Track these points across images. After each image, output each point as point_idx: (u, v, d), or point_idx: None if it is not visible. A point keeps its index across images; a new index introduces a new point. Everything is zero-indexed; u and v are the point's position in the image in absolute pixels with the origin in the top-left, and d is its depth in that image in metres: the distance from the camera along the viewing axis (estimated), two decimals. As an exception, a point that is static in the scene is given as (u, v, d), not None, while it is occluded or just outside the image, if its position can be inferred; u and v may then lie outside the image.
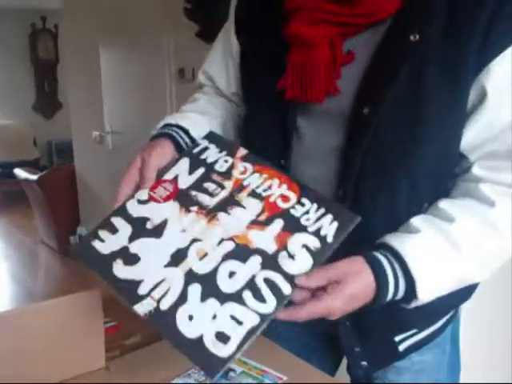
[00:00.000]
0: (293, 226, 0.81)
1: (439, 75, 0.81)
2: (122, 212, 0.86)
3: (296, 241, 0.80)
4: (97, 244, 0.82)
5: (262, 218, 0.83)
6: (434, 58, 0.81)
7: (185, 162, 0.94)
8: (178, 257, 0.80)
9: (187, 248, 0.81)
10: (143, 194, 0.89)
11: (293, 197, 0.84)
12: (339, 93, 0.88)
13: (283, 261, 0.78)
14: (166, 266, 0.79)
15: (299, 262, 0.78)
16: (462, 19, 0.79)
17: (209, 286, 0.77)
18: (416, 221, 0.83)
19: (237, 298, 0.75)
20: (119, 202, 0.89)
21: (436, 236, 0.81)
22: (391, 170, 0.86)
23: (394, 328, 0.99)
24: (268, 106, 0.98)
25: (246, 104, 1.09)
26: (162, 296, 0.76)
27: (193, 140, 1.00)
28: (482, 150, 0.85)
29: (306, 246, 0.79)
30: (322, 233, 0.80)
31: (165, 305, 0.75)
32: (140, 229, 0.84)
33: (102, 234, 0.84)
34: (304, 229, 0.81)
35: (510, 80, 0.80)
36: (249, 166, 0.90)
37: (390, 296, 0.79)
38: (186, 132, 1.01)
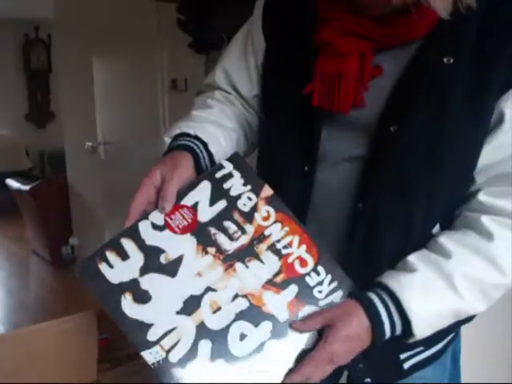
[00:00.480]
0: (306, 295, 0.82)
1: (466, 100, 0.81)
2: (134, 234, 0.79)
3: (307, 313, 0.81)
4: (105, 269, 0.75)
5: (279, 279, 0.82)
6: (463, 82, 0.81)
7: (206, 188, 0.88)
8: (191, 305, 0.77)
9: (201, 297, 0.78)
10: (158, 219, 0.82)
11: (310, 262, 0.84)
12: (365, 106, 0.87)
13: (292, 333, 0.80)
14: (178, 313, 0.76)
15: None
16: (492, 44, 0.80)
17: (219, 344, 0.77)
18: (412, 258, 0.84)
19: (243, 362, 0.77)
20: (131, 221, 0.82)
21: (432, 274, 0.82)
22: (412, 191, 0.86)
23: (399, 346, 0.97)
24: (293, 109, 0.97)
25: (268, 106, 1.07)
26: (172, 347, 0.74)
27: (210, 154, 0.96)
28: (489, 173, 0.85)
29: None
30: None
31: (175, 357, 0.74)
32: (153, 261, 0.78)
33: (111, 256, 0.76)
34: (316, 302, 0.82)
35: None
36: (272, 211, 0.86)
37: (387, 334, 0.81)
38: (205, 145, 0.96)
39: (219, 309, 0.79)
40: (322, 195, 0.95)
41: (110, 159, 3.78)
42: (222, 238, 0.82)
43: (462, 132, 0.83)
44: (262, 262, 0.83)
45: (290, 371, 0.78)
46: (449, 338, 1.02)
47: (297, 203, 0.93)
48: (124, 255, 0.77)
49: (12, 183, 5.14)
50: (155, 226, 0.80)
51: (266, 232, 0.85)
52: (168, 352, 0.73)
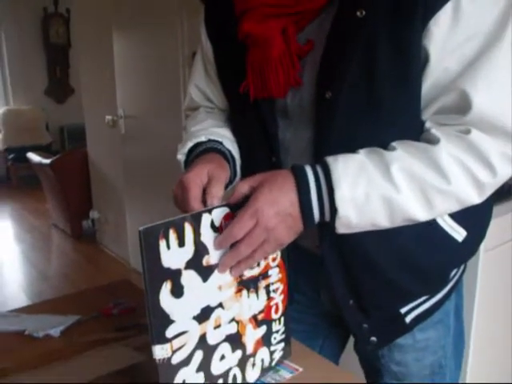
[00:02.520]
0: (266, 338, 0.92)
1: (391, 50, 0.80)
2: (196, 224, 0.77)
3: (261, 353, 0.91)
4: (162, 248, 0.72)
5: (259, 317, 0.90)
6: (384, 34, 0.80)
7: None
8: (204, 314, 0.79)
9: (213, 309, 0.80)
10: (218, 218, 0.81)
11: (280, 311, 0.94)
12: (302, 84, 0.89)
13: (248, 367, 0.89)
14: (193, 318, 0.77)
15: (254, 373, 0.90)
16: None
17: (206, 359, 0.80)
18: (360, 150, 0.83)
19: (213, 381, 0.82)
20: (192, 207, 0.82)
21: (371, 158, 0.80)
22: (359, 146, 0.85)
23: (398, 300, 1.00)
24: (245, 106, 0.99)
25: (230, 109, 1.11)
26: (178, 349, 0.75)
27: (229, 151, 1.01)
28: (430, 109, 0.84)
29: (262, 361, 0.92)
30: (273, 356, 0.94)
31: (176, 359, 0.75)
32: (197, 259, 0.77)
33: (172, 237, 0.73)
34: (269, 345, 0.93)
35: (447, 35, 0.79)
36: (279, 255, 0.91)
37: (313, 200, 0.80)
38: (221, 144, 1.01)
39: (219, 326, 0.82)
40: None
41: (129, 133, 3.79)
42: None
43: (395, 82, 0.82)
44: (257, 297, 0.89)
45: None
46: (447, 288, 1.03)
47: None
48: (181, 241, 0.74)
49: (33, 157, 5.19)
50: (213, 225, 0.79)
51: (269, 272, 0.90)
52: (173, 353, 0.74)
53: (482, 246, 1.86)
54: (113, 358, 1.02)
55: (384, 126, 0.85)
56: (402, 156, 0.80)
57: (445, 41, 0.79)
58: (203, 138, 1.00)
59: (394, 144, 0.82)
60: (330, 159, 0.81)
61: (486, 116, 0.78)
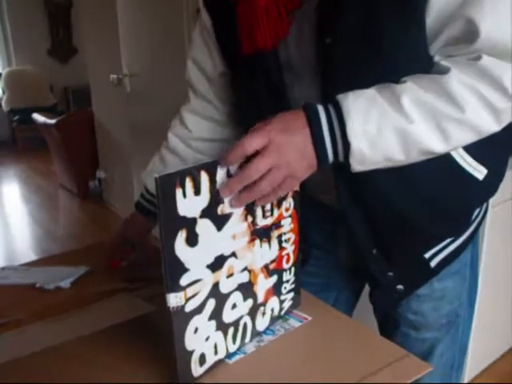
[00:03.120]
0: (277, 288, 0.93)
1: None
2: (212, 171, 0.76)
3: (271, 302, 0.92)
4: (179, 197, 0.71)
5: (271, 266, 0.90)
6: None
7: None
8: (217, 263, 0.79)
9: (226, 258, 0.80)
10: (235, 166, 0.79)
11: (291, 261, 0.95)
12: (288, 35, 0.88)
13: (259, 316, 0.90)
14: (207, 267, 0.77)
15: (263, 322, 0.91)
16: None
17: (218, 307, 0.81)
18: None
19: (224, 329, 0.83)
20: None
21: (381, 91, 0.79)
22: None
23: (422, 245, 1.00)
24: (250, 72, 0.98)
25: (234, 78, 1.09)
26: (191, 297, 0.75)
27: None
28: (437, 43, 0.81)
29: (272, 310, 0.93)
30: (283, 306, 0.95)
31: (189, 307, 0.75)
32: (213, 208, 0.76)
33: (188, 186, 0.72)
34: (279, 295, 0.94)
35: None
36: (292, 205, 0.91)
37: (325, 129, 0.78)
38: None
39: (231, 275, 0.82)
40: None
41: (135, 91, 3.76)
42: (259, 212, 0.84)
43: (396, 21, 0.79)
44: (270, 246, 0.89)
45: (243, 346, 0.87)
46: (470, 229, 1.03)
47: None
48: (197, 190, 0.73)
49: (38, 117, 5.18)
50: (228, 173, 0.78)
51: (282, 222, 0.90)
52: (187, 301, 0.74)
53: (490, 201, 1.86)
54: (123, 308, 1.03)
55: (388, 71, 0.82)
56: (413, 87, 0.77)
57: None
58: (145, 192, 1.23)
59: (404, 78, 0.80)
60: (340, 96, 0.79)
61: (496, 40, 0.75)
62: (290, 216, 0.92)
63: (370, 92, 0.79)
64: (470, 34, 0.77)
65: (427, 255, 1.00)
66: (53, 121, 4.76)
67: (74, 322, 0.99)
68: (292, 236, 0.93)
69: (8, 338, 0.95)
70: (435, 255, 1.00)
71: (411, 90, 0.77)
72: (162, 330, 0.74)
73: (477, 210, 1.02)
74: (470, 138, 0.80)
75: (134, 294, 1.08)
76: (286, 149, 0.76)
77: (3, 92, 7.29)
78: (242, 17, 0.92)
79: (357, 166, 0.79)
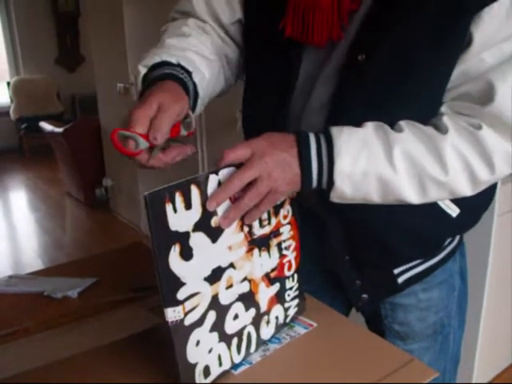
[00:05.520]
0: (280, 296, 0.93)
1: (438, 24, 0.79)
2: (202, 185, 0.75)
3: (275, 311, 0.92)
4: (169, 212, 0.70)
5: (273, 274, 0.90)
6: (434, 5, 0.79)
7: None
8: (215, 275, 0.79)
9: (224, 270, 0.80)
10: (225, 178, 0.79)
11: (293, 268, 0.95)
12: (342, 39, 0.87)
13: (263, 325, 0.90)
14: (204, 279, 0.77)
15: (268, 331, 0.91)
16: None
17: (219, 319, 0.81)
18: (368, 122, 0.83)
19: (228, 340, 0.83)
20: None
21: (376, 135, 0.80)
22: (376, 115, 0.85)
23: (392, 261, 1.02)
24: (271, 40, 0.96)
25: (248, 34, 1.05)
26: (190, 311, 0.75)
27: (195, 85, 0.92)
28: (454, 92, 0.84)
29: (276, 318, 0.93)
30: (287, 313, 0.95)
31: (188, 321, 0.75)
32: (206, 220, 0.76)
33: (178, 200, 0.72)
34: (283, 303, 0.94)
35: (496, 28, 0.78)
36: (290, 212, 0.91)
37: (313, 153, 0.79)
38: (189, 75, 0.92)
39: (231, 286, 0.82)
40: (292, 125, 0.96)
41: (141, 100, 3.77)
42: (255, 222, 0.84)
43: (430, 60, 0.81)
44: (269, 255, 0.89)
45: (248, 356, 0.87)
46: (444, 252, 1.04)
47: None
48: (188, 204, 0.73)
49: (45, 126, 5.20)
50: (220, 186, 0.78)
51: (281, 230, 0.90)
52: (186, 314, 0.74)
53: (496, 210, 1.86)
54: (128, 319, 1.03)
55: (407, 97, 0.84)
56: (408, 139, 0.80)
57: (491, 32, 0.78)
58: (173, 60, 0.91)
59: (402, 124, 0.82)
60: (334, 129, 0.81)
61: (505, 111, 0.78)
62: (288, 223, 0.92)
63: (365, 132, 0.81)
64: (486, 96, 0.79)
65: (396, 271, 1.02)
66: (60, 129, 4.79)
67: (79, 334, 1.00)
68: (292, 243, 0.93)
69: (16, 349, 0.96)
70: (404, 272, 1.02)
71: (405, 142, 0.79)
72: (165, 342, 0.74)
73: (448, 240, 1.04)
74: (445, 197, 0.86)
75: (139, 304, 1.09)
76: (268, 161, 0.77)
77: (11, 100, 7.33)
78: (297, 5, 0.89)
79: (335, 198, 0.83)
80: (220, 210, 0.78)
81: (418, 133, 0.81)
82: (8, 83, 7.37)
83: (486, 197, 1.02)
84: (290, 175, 0.79)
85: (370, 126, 0.82)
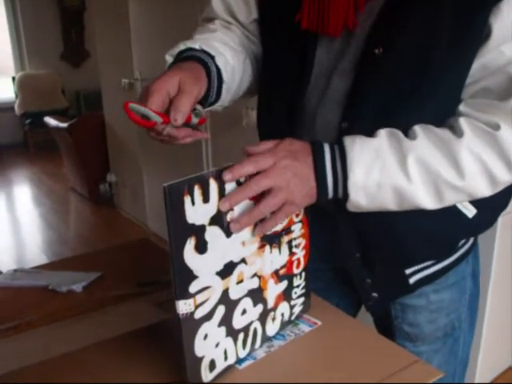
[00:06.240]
0: (287, 293, 0.93)
1: (455, 19, 0.79)
2: (221, 179, 0.76)
3: (281, 308, 0.92)
4: (187, 204, 0.71)
5: (281, 272, 0.91)
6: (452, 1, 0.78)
7: None
8: (227, 270, 0.79)
9: (236, 265, 0.81)
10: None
11: (302, 265, 0.95)
12: (357, 28, 0.86)
13: (269, 321, 0.90)
14: (216, 274, 0.77)
15: (274, 327, 0.91)
16: None
17: (228, 313, 0.81)
18: (381, 130, 0.82)
19: (234, 335, 0.83)
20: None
21: (389, 144, 0.80)
22: (395, 114, 0.85)
23: (404, 261, 1.01)
24: (286, 33, 0.96)
25: (263, 29, 1.06)
26: (201, 304, 0.75)
27: (219, 69, 0.93)
28: (473, 88, 0.83)
29: (282, 315, 0.93)
30: (293, 310, 0.95)
31: (198, 314, 0.75)
32: (221, 215, 0.77)
33: (197, 193, 0.72)
34: (289, 300, 0.94)
35: None
36: (302, 210, 0.91)
37: (328, 166, 0.81)
38: (213, 59, 0.92)
39: (241, 281, 0.82)
40: (307, 120, 0.96)
41: (146, 96, 3.77)
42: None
43: (449, 56, 0.81)
44: (280, 252, 0.89)
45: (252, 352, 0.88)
46: (457, 254, 1.03)
47: (285, 129, 0.96)
48: (206, 197, 0.73)
49: (50, 121, 5.21)
50: (237, 181, 0.78)
51: (292, 227, 0.91)
52: (196, 307, 0.75)
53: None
54: (133, 314, 1.03)
55: (425, 92, 0.84)
56: (422, 145, 0.79)
57: (511, 24, 0.77)
58: (196, 46, 0.92)
59: (416, 129, 0.82)
60: (347, 140, 0.81)
61: None
62: (300, 221, 0.92)
63: (378, 142, 0.80)
64: (506, 91, 0.79)
65: (408, 271, 1.01)
66: (64, 124, 4.79)
67: (83, 328, 1.00)
68: (302, 241, 0.93)
69: (18, 342, 0.96)
70: (416, 273, 1.01)
71: (419, 149, 0.79)
72: (171, 337, 0.75)
73: (462, 241, 1.03)
74: (463, 200, 0.86)
75: (144, 299, 1.09)
76: (289, 173, 0.78)
77: (16, 96, 7.34)
78: None
79: (351, 209, 0.83)
80: (236, 206, 0.78)
81: (433, 138, 0.80)
82: (13, 78, 7.38)
83: (503, 197, 1.00)
84: (307, 188, 0.80)
85: (383, 135, 0.81)
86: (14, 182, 6.20)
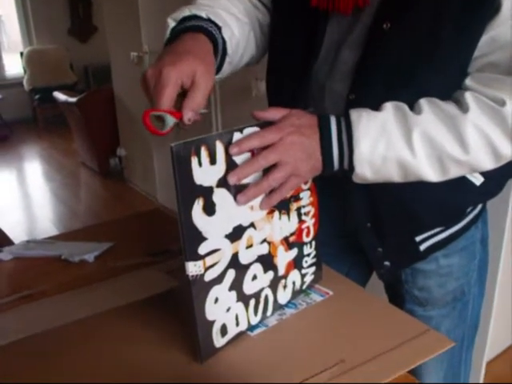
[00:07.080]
0: (298, 261, 0.93)
1: None
2: (227, 142, 0.76)
3: (292, 276, 0.93)
4: (194, 165, 0.71)
5: (291, 239, 0.91)
6: None
7: None
8: (236, 233, 0.79)
9: (245, 229, 0.81)
10: None
11: (311, 235, 0.95)
12: (368, 5, 0.85)
13: (280, 288, 0.90)
14: (226, 237, 0.78)
15: (285, 295, 0.92)
16: None
17: (238, 278, 0.81)
18: (387, 103, 0.83)
19: (246, 301, 0.84)
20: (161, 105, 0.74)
21: (395, 119, 0.81)
22: (403, 88, 0.85)
23: (414, 228, 1.02)
24: (296, 14, 0.96)
25: (277, 3, 1.05)
26: (211, 266, 0.76)
27: (224, 41, 0.92)
28: (481, 62, 0.83)
29: (293, 284, 0.93)
30: (304, 279, 0.95)
31: (208, 276, 0.76)
32: None
33: (203, 154, 0.72)
34: (300, 268, 0.94)
35: None
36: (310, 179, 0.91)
37: (334, 139, 0.81)
38: (219, 30, 0.91)
39: (251, 246, 0.83)
40: (316, 92, 0.96)
41: (155, 69, 3.75)
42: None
43: (458, 30, 0.80)
44: (289, 218, 0.89)
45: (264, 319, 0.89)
46: (466, 219, 1.03)
47: (294, 101, 0.96)
48: (213, 159, 0.74)
49: (59, 96, 5.21)
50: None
51: (301, 195, 0.91)
52: (206, 270, 0.75)
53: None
54: (145, 282, 1.04)
55: (433, 67, 0.83)
56: (428, 120, 0.80)
57: None
58: (203, 14, 0.90)
59: (422, 103, 0.82)
60: (353, 114, 0.81)
61: None
62: (308, 189, 0.92)
63: (384, 116, 0.81)
64: None
65: (418, 238, 1.02)
66: (74, 99, 4.78)
67: (96, 296, 1.01)
68: (311, 209, 0.93)
69: (32, 310, 0.97)
70: (426, 240, 1.02)
71: (424, 124, 0.79)
72: (183, 305, 0.75)
73: (470, 208, 1.03)
74: (466, 173, 0.87)
75: (156, 267, 1.10)
76: (296, 148, 0.79)
77: (25, 71, 7.32)
78: None
79: (357, 180, 0.85)
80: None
81: (438, 112, 0.80)
82: (21, 54, 7.36)
83: (510, 165, 1.00)
84: (313, 161, 0.82)
85: (389, 109, 0.82)
86: (25, 157, 6.23)
